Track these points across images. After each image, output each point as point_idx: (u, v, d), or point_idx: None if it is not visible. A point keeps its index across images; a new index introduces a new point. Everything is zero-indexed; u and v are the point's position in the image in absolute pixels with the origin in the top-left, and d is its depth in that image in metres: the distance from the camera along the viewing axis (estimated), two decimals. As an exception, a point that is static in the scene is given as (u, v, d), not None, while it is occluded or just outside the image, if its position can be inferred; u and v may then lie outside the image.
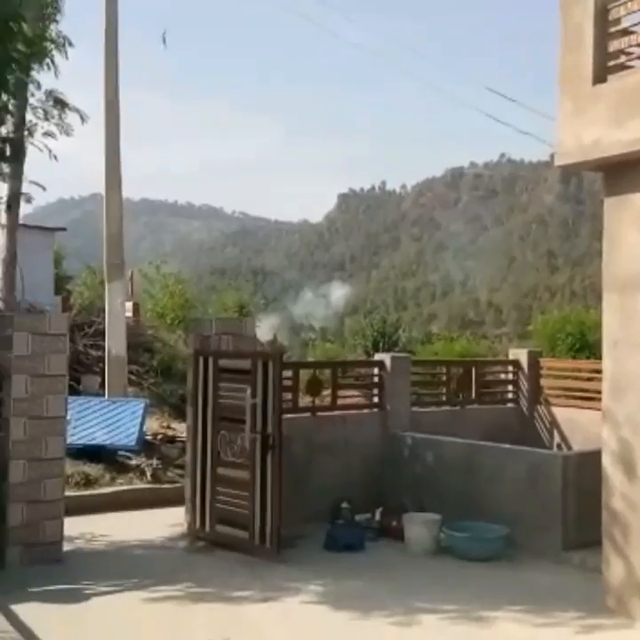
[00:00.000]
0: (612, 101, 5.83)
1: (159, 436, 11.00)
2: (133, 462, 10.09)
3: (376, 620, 5.87)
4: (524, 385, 11.08)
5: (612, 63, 5.94)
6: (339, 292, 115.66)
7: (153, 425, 11.70)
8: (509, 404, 11.17)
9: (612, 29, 5.91)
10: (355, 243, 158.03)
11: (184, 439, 10.81)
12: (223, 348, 8.18)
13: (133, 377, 13.37)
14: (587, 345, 22.03)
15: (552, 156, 6.44)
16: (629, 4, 5.77)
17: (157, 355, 15.08)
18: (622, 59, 5.96)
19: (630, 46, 5.89)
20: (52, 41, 8.64)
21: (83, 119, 8.95)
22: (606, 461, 6.25)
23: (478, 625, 5.83)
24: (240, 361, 7.87)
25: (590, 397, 10.48)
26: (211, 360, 8.07)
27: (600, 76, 5.93)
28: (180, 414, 12.40)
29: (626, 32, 5.92)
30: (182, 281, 22.89)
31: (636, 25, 5.90)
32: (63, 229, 22.09)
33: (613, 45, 5.91)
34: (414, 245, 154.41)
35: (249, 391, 7.56)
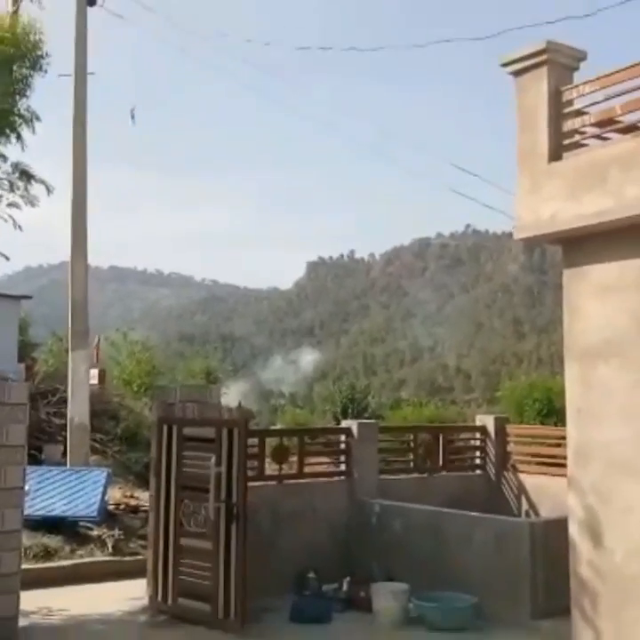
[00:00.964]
0: (568, 178, 6.07)
1: (122, 506, 10.79)
2: (94, 533, 9.85)
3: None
4: (491, 451, 11.09)
5: (566, 142, 6.21)
6: (308, 358, 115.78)
7: (116, 494, 11.46)
8: (477, 471, 11.15)
9: (566, 110, 6.19)
10: (324, 309, 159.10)
11: (148, 509, 10.64)
12: (188, 415, 8.12)
13: (97, 445, 13.17)
14: (554, 411, 22.20)
15: (515, 230, 6.66)
16: (581, 87, 6.07)
17: (122, 422, 14.88)
18: (576, 137, 6.23)
19: (584, 126, 6.16)
20: (20, 116, 8.78)
21: (49, 190, 9.05)
22: (573, 529, 6.27)
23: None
24: (204, 429, 7.80)
25: (558, 464, 10.50)
26: (175, 428, 7.99)
27: (555, 154, 6.19)
28: (144, 483, 12.17)
29: (579, 113, 6.20)
30: (149, 348, 22.78)
31: (588, 106, 6.18)
32: (29, 297, 21.93)
33: (567, 125, 6.18)
34: (383, 312, 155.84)
35: (213, 459, 7.49)
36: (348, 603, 8.13)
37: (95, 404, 12.86)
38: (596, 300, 6.22)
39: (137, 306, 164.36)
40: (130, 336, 22.71)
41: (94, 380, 15.02)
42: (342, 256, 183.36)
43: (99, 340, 19.71)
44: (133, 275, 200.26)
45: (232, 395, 20.29)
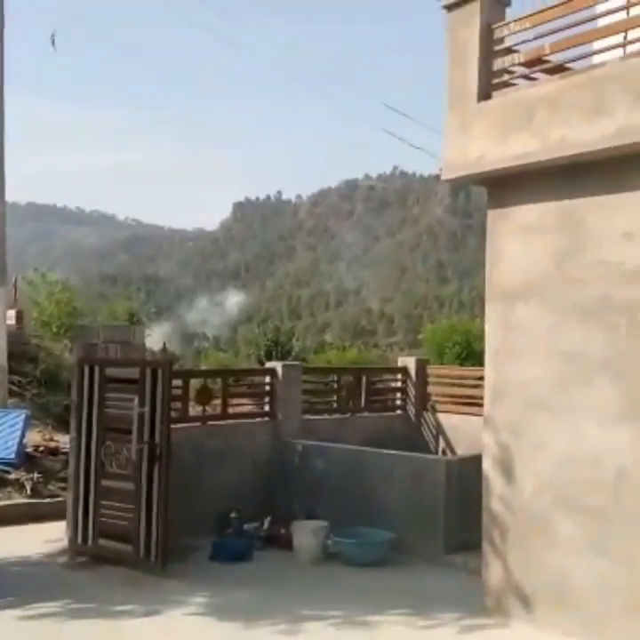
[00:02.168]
0: (496, 118, 6.03)
1: (41, 449, 10.58)
2: (12, 476, 9.65)
3: (261, 630, 5.83)
4: (411, 392, 11.30)
5: (496, 81, 6.15)
6: (233, 300, 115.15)
7: (35, 437, 11.22)
8: (397, 411, 11.37)
9: (497, 48, 6.12)
10: (250, 251, 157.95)
11: (68, 451, 10.47)
12: (110, 356, 7.96)
13: (15, 388, 12.83)
14: (473, 353, 22.80)
15: (442, 170, 6.61)
16: (513, 24, 6.00)
17: (41, 364, 14.50)
18: (506, 77, 6.19)
19: (513, 65, 6.12)
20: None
21: None
22: (487, 465, 6.45)
23: (363, 629, 5.88)
24: (128, 370, 7.67)
25: (475, 404, 10.80)
26: (97, 369, 7.82)
27: (485, 93, 6.12)
28: (64, 426, 11.95)
29: (509, 51, 6.15)
30: (69, 288, 22.17)
31: (518, 44, 6.14)
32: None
33: (497, 64, 6.12)
34: (309, 255, 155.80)
35: (136, 400, 7.39)
36: (269, 541, 8.23)
37: (13, 346, 12.47)
38: (519, 241, 6.29)
39: (57, 245, 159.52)
40: (49, 276, 22.03)
41: (12, 322, 14.56)
42: (269, 197, 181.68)
43: (16, 280, 19.07)
44: (53, 212, 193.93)
45: (155, 337, 19.99)
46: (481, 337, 25.72)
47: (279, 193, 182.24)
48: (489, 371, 6.57)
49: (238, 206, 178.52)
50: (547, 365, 6.08)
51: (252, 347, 30.93)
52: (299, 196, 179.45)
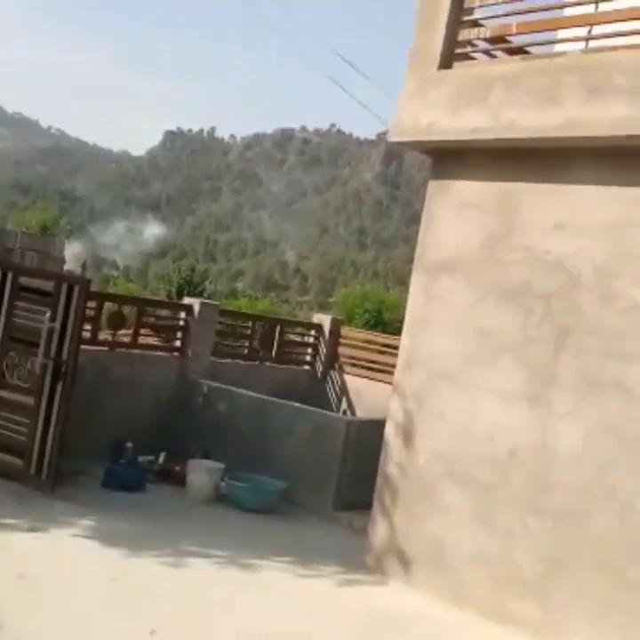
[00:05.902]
0: (453, 89, 6.02)
1: None
2: None
3: (144, 560, 5.83)
4: (322, 349, 11.41)
5: (459, 51, 6.14)
6: (151, 231, 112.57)
7: None
8: (305, 366, 11.47)
9: (465, 18, 6.11)
10: (173, 185, 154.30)
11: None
12: (27, 264, 7.68)
13: None
14: (382, 322, 23.16)
15: (378, 136, 6.58)
16: (483, -5, 5.99)
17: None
18: (468, 49, 6.20)
19: (478, 38, 6.13)
20: None
21: None
22: (389, 430, 6.59)
23: (244, 571, 5.97)
24: (43, 281, 7.43)
25: (380, 370, 11.04)
26: (10, 275, 7.53)
27: (446, 62, 6.10)
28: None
29: (475, 24, 6.15)
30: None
31: (484, 18, 6.15)
32: None
33: (463, 34, 6.11)
34: (233, 198, 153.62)
35: (48, 314, 7.17)
36: (162, 476, 8.22)
37: None
38: (454, 215, 6.36)
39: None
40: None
41: None
42: (202, 131, 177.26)
43: None
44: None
45: (66, 255, 19.44)
46: (392, 308, 26.10)
47: (213, 129, 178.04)
48: (405, 339, 6.67)
49: (169, 135, 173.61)
50: (459, 340, 6.22)
51: (163, 282, 30.46)
52: (232, 136, 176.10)
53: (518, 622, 5.54)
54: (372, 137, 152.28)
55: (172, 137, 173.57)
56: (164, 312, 11.12)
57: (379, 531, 6.52)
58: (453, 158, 6.36)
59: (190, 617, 4.95)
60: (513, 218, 6.03)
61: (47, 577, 5.22)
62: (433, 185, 6.59)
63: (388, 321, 23.36)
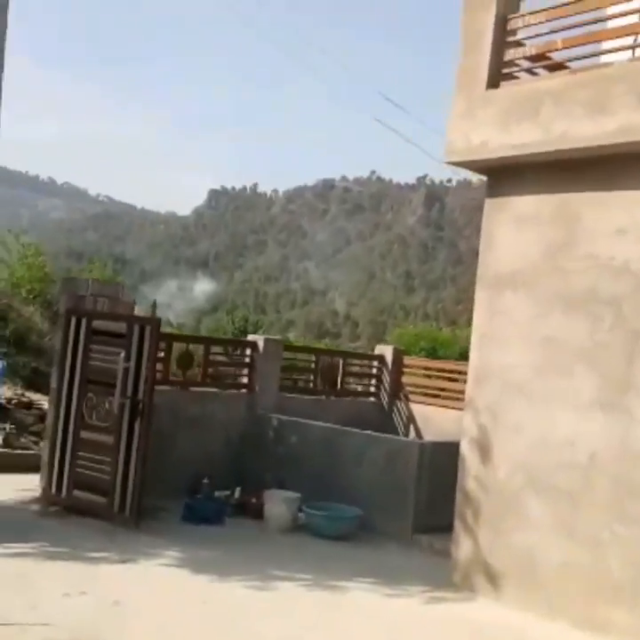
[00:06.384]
0: (502, 107, 6.22)
1: (14, 402, 10.54)
2: (-16, 425, 9.62)
3: (232, 584, 5.94)
4: (386, 380, 11.48)
5: (505, 71, 6.34)
6: (201, 288, 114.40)
7: (6, 393, 11.17)
8: (371, 398, 11.54)
9: (509, 39, 6.31)
10: (220, 241, 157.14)
11: (41, 407, 10.44)
12: (99, 309, 7.99)
13: (-19, 346, 12.72)
14: (438, 359, 23.13)
15: (418, 180, 6.75)
16: (528, 17, 6.19)
17: (11, 324, 14.42)
18: (515, 68, 6.39)
19: (523, 57, 6.31)
20: None
21: None
22: (465, 446, 6.63)
23: (331, 592, 6.03)
24: (115, 324, 7.71)
25: (445, 396, 11.07)
26: (83, 321, 7.85)
27: (493, 82, 6.31)
28: (32, 387, 11.93)
29: (519, 43, 6.34)
30: (42, 253, 21.94)
31: (527, 38, 6.34)
32: None
33: (509, 54, 6.31)
34: (279, 251, 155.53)
35: (122, 355, 7.44)
36: (239, 509, 8.33)
37: (-20, 303, 12.35)
38: (512, 230, 6.48)
39: (25, 214, 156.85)
40: (22, 239, 21.76)
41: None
42: (245, 188, 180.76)
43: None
44: (23, 179, 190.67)
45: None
46: (446, 345, 26.04)
47: (255, 185, 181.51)
48: (473, 355, 6.75)
49: (213, 194, 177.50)
50: (528, 352, 6.29)
51: (219, 334, 30.86)
52: (274, 191, 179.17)
53: (612, 630, 5.47)
54: (413, 181, 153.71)
55: (217, 195, 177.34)
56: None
57: (463, 548, 6.51)
58: (508, 174, 6.50)
59: (283, 634, 5.02)
60: (574, 227, 6.11)
61: (141, 602, 5.35)
62: (489, 203, 6.73)
63: (442, 357, 23.36)
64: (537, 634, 5.54)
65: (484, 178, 6.87)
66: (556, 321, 6.14)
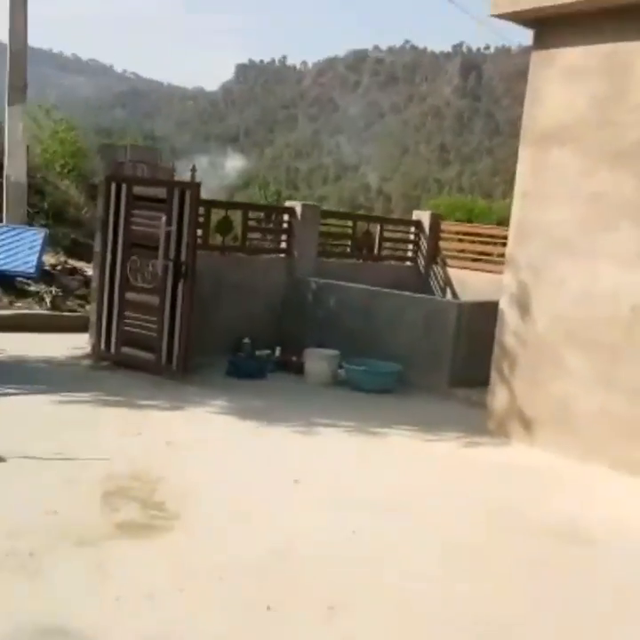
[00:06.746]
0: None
1: (59, 268, 10.81)
2: (32, 288, 9.93)
3: (280, 429, 6.26)
4: (423, 245, 11.52)
5: None
6: (232, 164, 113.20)
7: (50, 260, 11.43)
8: (408, 263, 11.62)
9: None
10: (250, 116, 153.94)
11: (84, 274, 10.71)
12: (138, 175, 8.04)
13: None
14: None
15: (454, 48, 6.51)
16: None
17: (48, 197, 14.54)
18: None
19: None
20: None
21: None
22: (504, 303, 6.74)
23: (373, 437, 6.34)
24: (156, 189, 7.77)
25: (482, 260, 11.11)
26: (124, 186, 7.92)
27: None
28: (73, 256, 12.17)
29: None
30: (74, 128, 21.73)
31: None
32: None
33: None
34: (310, 125, 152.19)
35: (164, 219, 7.54)
36: (281, 365, 8.61)
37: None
38: (559, 83, 6.32)
39: (52, 92, 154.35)
40: (53, 114, 21.55)
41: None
42: (274, 61, 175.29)
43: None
44: (47, 57, 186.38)
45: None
46: (482, 215, 25.70)
47: (284, 58, 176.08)
48: (516, 213, 6.73)
49: (241, 68, 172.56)
50: (573, 208, 6.27)
51: (252, 208, 30.64)
52: (304, 63, 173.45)
53: (645, 471, 5.70)
54: (448, 49, 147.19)
55: (245, 69, 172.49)
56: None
57: (499, 398, 6.75)
58: (556, 24, 6.28)
59: (328, 470, 5.34)
60: (624, 78, 5.94)
61: (192, 442, 5.70)
62: (536, 56, 6.53)
63: (479, 226, 23.16)
64: (573, 472, 5.82)
65: (528, 38, 6.62)
66: (603, 175, 6.07)
